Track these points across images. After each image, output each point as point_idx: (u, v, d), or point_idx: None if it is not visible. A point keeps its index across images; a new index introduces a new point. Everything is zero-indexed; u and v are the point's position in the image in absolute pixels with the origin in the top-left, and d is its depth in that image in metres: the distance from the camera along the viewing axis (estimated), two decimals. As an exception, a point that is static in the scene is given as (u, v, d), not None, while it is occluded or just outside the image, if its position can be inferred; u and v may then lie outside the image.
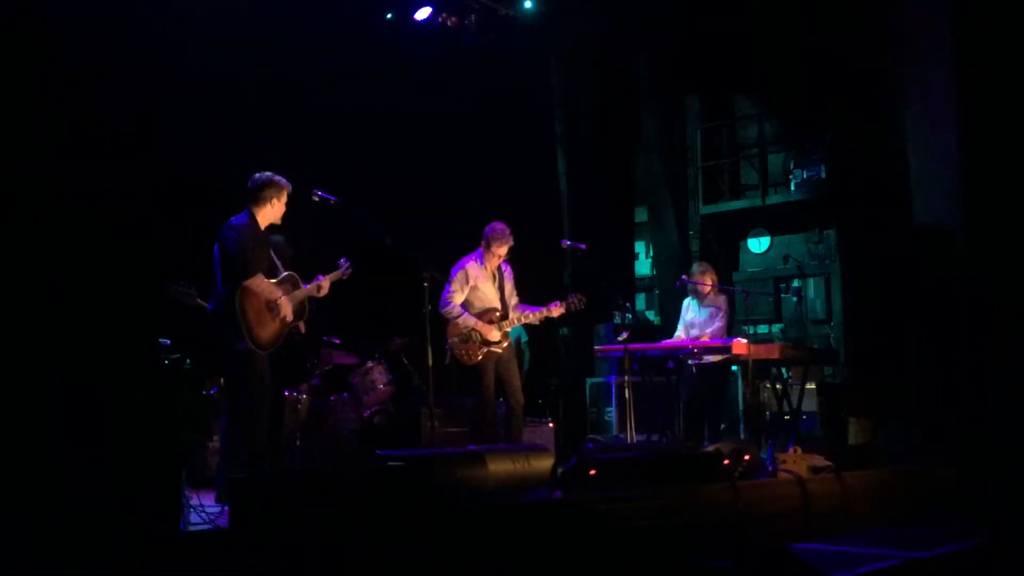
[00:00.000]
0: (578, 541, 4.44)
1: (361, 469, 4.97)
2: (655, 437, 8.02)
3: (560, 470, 5.34)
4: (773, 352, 7.45)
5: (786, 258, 10.37)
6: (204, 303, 6.08)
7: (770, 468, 5.90)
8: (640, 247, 12.28)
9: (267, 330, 5.59)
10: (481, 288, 6.94)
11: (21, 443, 3.21)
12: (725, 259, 10.73)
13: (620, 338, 7.55)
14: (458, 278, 6.91)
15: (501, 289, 7.02)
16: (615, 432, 8.98)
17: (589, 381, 9.54)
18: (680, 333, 8.14)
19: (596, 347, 8.74)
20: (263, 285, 5.60)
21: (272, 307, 5.63)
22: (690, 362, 7.85)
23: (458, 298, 6.88)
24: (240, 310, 5.46)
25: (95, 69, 3.66)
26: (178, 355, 6.52)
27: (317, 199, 6.19)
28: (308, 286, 5.95)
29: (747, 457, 5.75)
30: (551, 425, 8.22)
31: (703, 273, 7.99)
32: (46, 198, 3.39)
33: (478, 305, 6.91)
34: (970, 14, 7.40)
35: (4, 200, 3.31)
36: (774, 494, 5.51)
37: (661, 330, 9.60)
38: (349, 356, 7.98)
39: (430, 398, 6.68)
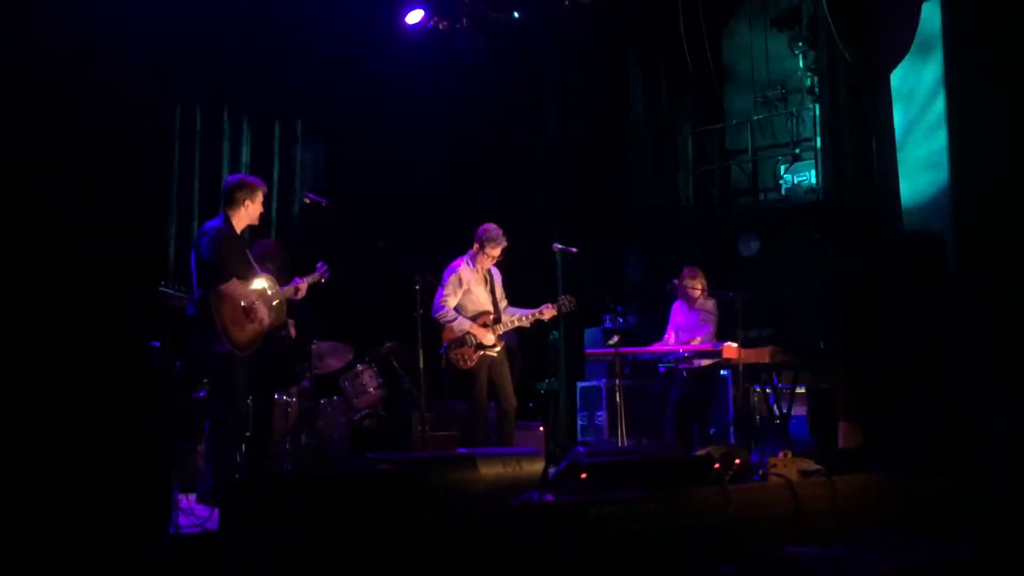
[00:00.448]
0: (568, 544, 4.43)
1: (351, 472, 4.96)
2: (645, 441, 8.01)
3: (551, 473, 5.34)
4: (763, 356, 7.46)
5: None
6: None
7: (760, 472, 5.90)
8: (631, 250, 12.25)
9: (244, 332, 5.59)
10: (474, 291, 6.93)
11: (11, 445, 3.19)
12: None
13: (611, 342, 7.55)
14: (451, 282, 6.89)
15: (492, 292, 7.01)
16: (606, 436, 8.97)
17: (580, 385, 9.53)
18: (669, 337, 8.14)
19: (587, 351, 8.74)
20: (237, 289, 5.60)
21: (247, 311, 5.62)
22: (680, 366, 7.85)
23: (452, 302, 6.86)
24: (216, 313, 5.47)
25: (90, 67, 3.65)
26: (168, 358, 6.50)
27: (308, 202, 6.20)
28: (285, 288, 5.94)
29: (737, 461, 5.75)
30: (541, 429, 8.21)
31: (693, 277, 7.99)
32: (39, 198, 3.38)
33: (471, 308, 6.90)
34: (958, 13, 7.45)
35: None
36: (764, 498, 5.51)
37: (652, 334, 9.60)
38: (340, 359, 7.95)
39: (421, 401, 6.68)
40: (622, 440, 7.43)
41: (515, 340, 7.59)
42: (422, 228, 9.49)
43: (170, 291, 6.25)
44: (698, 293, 7.94)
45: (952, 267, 7.39)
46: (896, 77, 7.97)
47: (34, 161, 3.40)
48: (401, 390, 8.39)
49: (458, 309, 6.88)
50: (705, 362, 7.70)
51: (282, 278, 6.15)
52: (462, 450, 5.31)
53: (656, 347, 7.98)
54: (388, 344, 8.20)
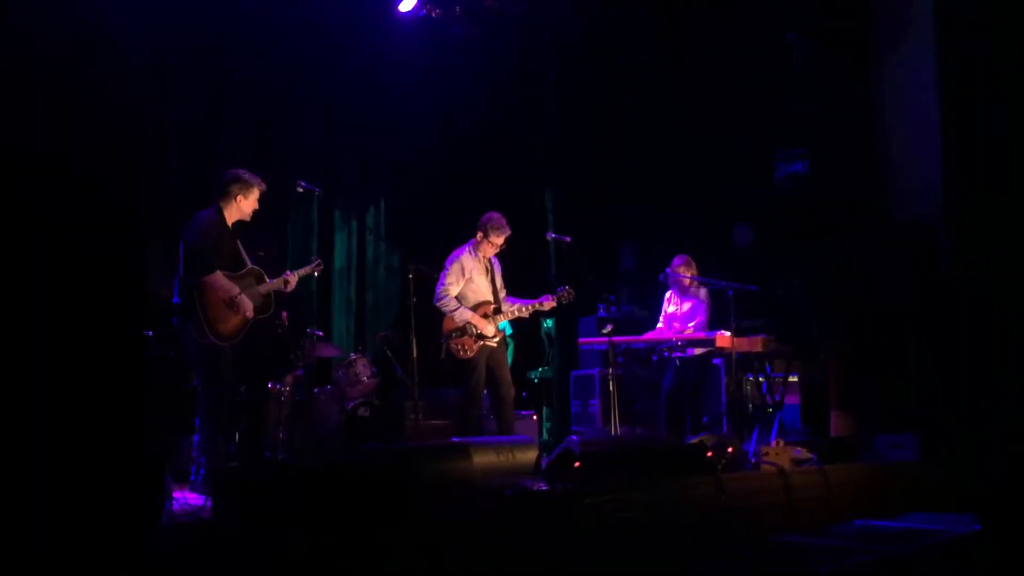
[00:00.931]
0: (562, 533, 4.44)
1: (345, 462, 4.96)
2: (639, 429, 8.03)
3: (544, 462, 5.35)
4: (756, 345, 7.48)
5: None
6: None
7: (753, 460, 5.92)
8: (625, 240, 12.27)
9: (228, 324, 5.59)
10: (475, 280, 6.91)
11: (10, 439, 3.19)
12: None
13: (604, 331, 7.57)
14: (453, 270, 6.87)
15: (493, 282, 7.00)
16: (599, 424, 8.99)
17: (573, 373, 9.55)
18: (663, 326, 8.16)
19: (581, 340, 8.76)
20: (221, 281, 5.60)
21: (231, 304, 5.62)
22: (674, 355, 7.86)
23: (454, 290, 6.84)
24: (200, 304, 5.47)
25: (87, 62, 3.65)
26: (161, 347, 6.50)
27: (301, 190, 6.20)
28: (274, 281, 5.94)
29: (730, 450, 5.77)
30: (535, 418, 8.23)
31: (684, 266, 8.00)
32: (39, 198, 3.37)
33: (472, 298, 6.89)
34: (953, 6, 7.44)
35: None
36: (757, 486, 5.53)
37: (645, 323, 9.62)
38: (333, 348, 7.96)
39: (414, 391, 6.69)
40: (615, 429, 7.44)
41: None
42: (413, 217, 9.50)
43: (160, 279, 6.26)
44: (687, 281, 7.95)
45: (945, 257, 7.40)
46: (891, 65, 7.97)
47: (34, 161, 3.39)
48: (394, 379, 8.40)
49: (459, 298, 6.86)
50: (698, 351, 7.72)
51: (273, 268, 6.14)
52: (456, 439, 5.32)
53: (649, 336, 7.99)
54: (381, 333, 8.21)
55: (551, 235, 7.50)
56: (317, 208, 8.09)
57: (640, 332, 8.22)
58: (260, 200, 5.88)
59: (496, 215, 6.95)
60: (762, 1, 9.17)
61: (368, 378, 7.97)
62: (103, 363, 3.38)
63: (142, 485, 3.43)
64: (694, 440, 5.90)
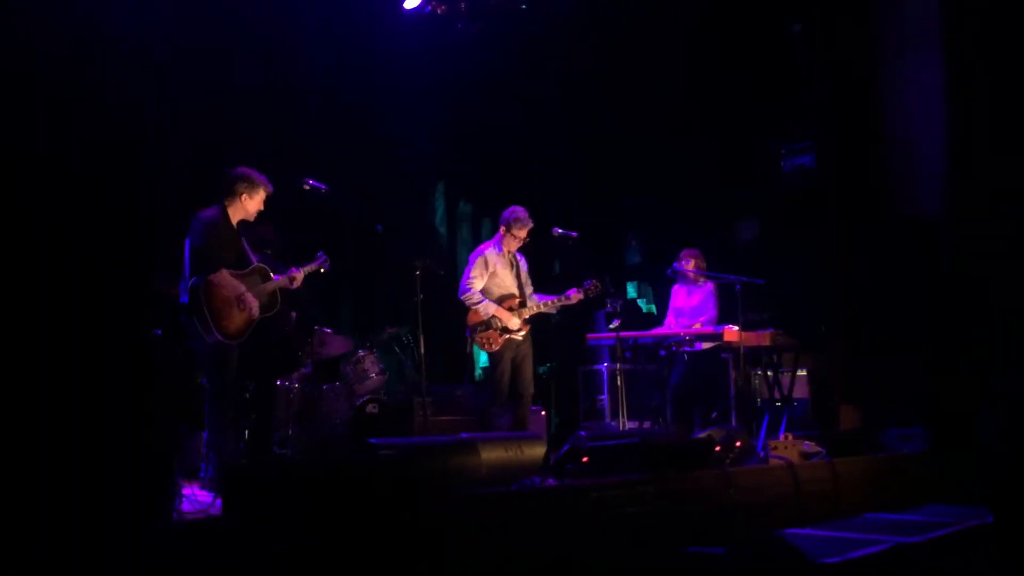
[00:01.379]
0: (570, 528, 4.45)
1: (353, 458, 4.98)
2: (647, 424, 8.04)
3: (552, 457, 5.36)
4: (764, 339, 7.47)
5: None
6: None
7: (761, 454, 5.92)
8: (631, 235, 12.27)
9: (234, 322, 5.58)
10: (500, 275, 6.93)
11: (13, 437, 3.21)
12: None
13: (612, 326, 7.56)
14: (478, 264, 6.90)
15: (518, 277, 7.02)
16: (607, 419, 8.99)
17: (581, 368, 9.55)
18: (669, 320, 8.15)
19: (588, 335, 8.76)
20: (227, 280, 5.60)
21: (237, 301, 5.62)
22: (682, 349, 7.86)
23: (478, 284, 6.86)
24: (205, 303, 5.48)
25: (89, 62, 3.65)
26: (170, 345, 6.52)
27: (308, 187, 6.19)
28: (280, 278, 5.93)
29: (738, 443, 5.77)
30: (543, 413, 8.23)
31: (692, 260, 7.99)
32: (39, 198, 3.38)
33: (497, 292, 6.91)
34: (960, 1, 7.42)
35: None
36: (765, 480, 5.54)
37: (653, 318, 9.62)
38: (341, 345, 7.97)
39: (422, 386, 6.69)
40: (623, 424, 7.45)
41: None
42: (420, 213, 9.51)
43: (170, 278, 6.27)
44: (694, 275, 7.94)
45: (950, 251, 7.38)
46: (897, 60, 7.95)
47: (34, 161, 3.40)
48: (403, 375, 8.41)
49: (484, 292, 6.88)
50: (706, 345, 7.71)
51: (278, 265, 6.15)
52: (464, 435, 5.33)
53: (657, 331, 7.99)
54: (389, 329, 8.22)
55: (557, 230, 7.48)
56: (323, 205, 8.08)
57: (647, 327, 8.22)
58: (265, 201, 5.87)
59: (518, 209, 6.98)
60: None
61: (376, 374, 7.98)
62: (104, 362, 3.40)
63: (147, 483, 3.44)
64: (702, 434, 5.90)
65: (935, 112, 7.50)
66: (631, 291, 11.91)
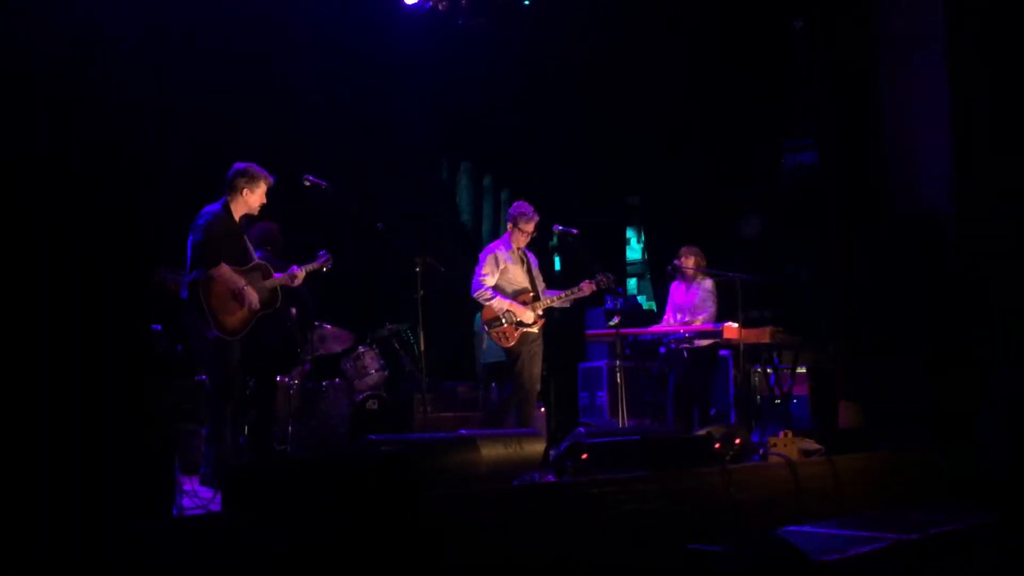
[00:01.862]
0: (570, 525, 4.45)
1: (353, 454, 4.97)
2: (646, 421, 8.04)
3: (552, 454, 5.36)
4: (764, 336, 7.47)
5: None
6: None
7: (761, 452, 5.92)
8: (632, 232, 12.29)
9: (234, 317, 5.61)
10: (511, 271, 6.97)
11: (13, 435, 3.21)
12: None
13: (612, 323, 7.56)
14: (489, 261, 6.94)
15: (529, 272, 7.05)
16: (607, 416, 9.00)
17: (581, 365, 9.55)
18: (669, 317, 8.15)
19: (588, 332, 8.76)
20: (228, 275, 5.60)
21: (237, 296, 5.63)
22: (681, 346, 7.86)
23: (490, 280, 6.90)
24: (205, 297, 5.49)
25: (87, 57, 3.65)
26: (170, 341, 6.52)
27: (308, 184, 6.19)
28: (280, 276, 5.94)
29: (738, 441, 5.77)
30: (542, 410, 8.23)
31: (690, 256, 7.98)
32: (39, 198, 3.38)
33: (509, 288, 6.95)
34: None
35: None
36: (765, 478, 5.53)
37: (653, 315, 9.62)
38: (342, 341, 7.97)
39: (423, 383, 6.70)
40: (623, 420, 7.45)
41: None
42: (423, 209, 9.50)
43: (170, 274, 6.27)
44: (692, 272, 7.93)
45: (952, 249, 7.38)
46: (900, 57, 7.93)
47: (34, 161, 3.40)
48: (403, 372, 8.41)
49: (496, 290, 6.92)
50: (706, 342, 7.71)
51: (280, 262, 6.15)
52: (464, 431, 5.33)
53: (657, 328, 7.99)
54: (389, 326, 8.22)
55: (557, 227, 7.49)
56: (324, 202, 8.08)
57: (647, 324, 8.22)
58: (268, 194, 5.87)
59: (523, 204, 7.08)
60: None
61: (376, 371, 7.98)
62: (103, 361, 3.40)
63: (146, 482, 3.45)
64: (702, 432, 5.90)
65: (937, 110, 7.49)
66: (631, 288, 11.93)
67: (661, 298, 9.16)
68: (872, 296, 7.54)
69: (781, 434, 5.96)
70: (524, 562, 4.19)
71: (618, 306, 7.65)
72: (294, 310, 6.93)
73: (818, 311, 8.59)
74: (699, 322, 7.79)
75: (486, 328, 6.95)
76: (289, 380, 7.19)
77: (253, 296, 5.69)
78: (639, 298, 11.71)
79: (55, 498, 3.21)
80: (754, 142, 11.02)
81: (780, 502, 5.44)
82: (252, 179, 5.77)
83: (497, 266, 6.95)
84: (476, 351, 9.09)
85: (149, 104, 4.06)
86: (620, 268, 11.41)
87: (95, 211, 3.52)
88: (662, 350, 8.02)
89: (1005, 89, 7.28)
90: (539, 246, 7.45)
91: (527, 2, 9.50)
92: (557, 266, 9.71)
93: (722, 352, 8.07)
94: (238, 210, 5.78)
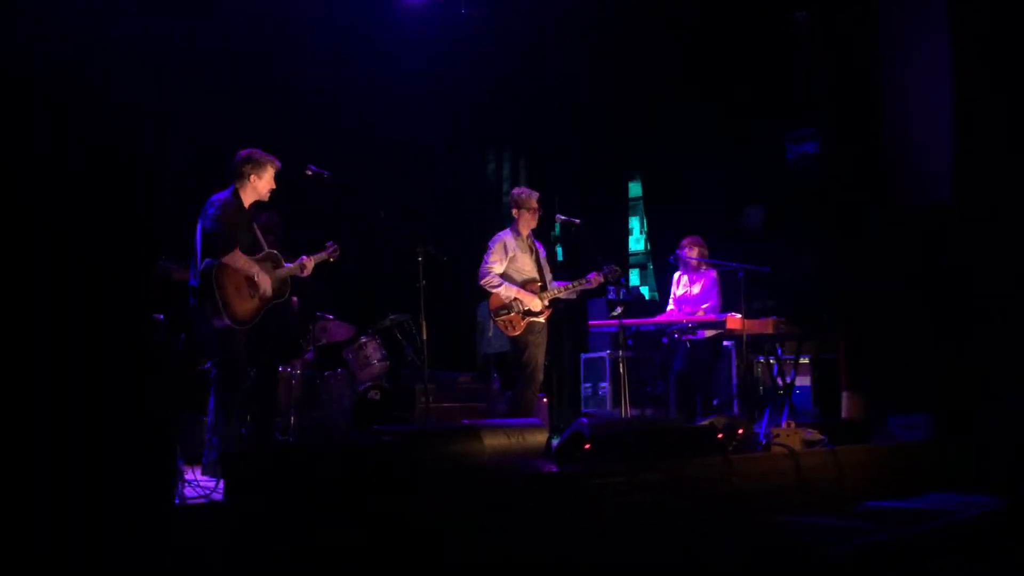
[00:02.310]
0: (573, 515, 4.45)
1: (356, 444, 4.97)
2: (649, 412, 8.03)
3: (555, 445, 5.35)
4: (767, 327, 7.45)
5: None
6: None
7: (764, 442, 5.92)
8: (634, 222, 12.27)
9: (245, 306, 5.58)
10: (520, 259, 6.95)
11: (15, 428, 3.21)
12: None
13: (614, 313, 7.55)
14: (497, 249, 6.92)
15: (537, 262, 7.04)
16: (609, 407, 8.99)
17: (583, 356, 9.55)
18: (672, 308, 8.14)
19: (591, 322, 8.74)
20: (241, 261, 5.59)
21: (250, 282, 5.61)
22: (684, 337, 7.85)
23: (498, 268, 6.88)
24: (217, 286, 5.47)
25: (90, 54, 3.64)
26: (172, 331, 6.51)
27: (310, 173, 6.17)
28: (290, 265, 5.92)
29: (741, 431, 5.77)
30: (545, 400, 8.23)
31: (694, 247, 7.96)
32: (39, 198, 3.38)
33: (517, 277, 6.93)
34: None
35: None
36: (767, 468, 5.53)
37: (656, 305, 9.61)
38: (344, 331, 7.97)
39: (425, 373, 6.69)
40: (625, 411, 7.44)
41: None
42: (424, 200, 9.49)
43: (172, 264, 6.26)
44: (695, 262, 7.92)
45: (956, 237, 7.36)
46: (903, 46, 7.91)
47: (34, 161, 3.39)
48: (405, 362, 8.41)
49: (505, 278, 6.90)
50: (708, 333, 7.69)
51: (282, 252, 6.13)
52: (466, 421, 5.33)
53: (659, 318, 7.98)
54: (391, 316, 8.22)
55: (560, 217, 7.48)
56: (326, 192, 8.07)
57: (649, 314, 8.21)
58: (276, 179, 5.83)
59: (520, 188, 7.14)
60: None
61: (378, 361, 7.98)
62: (103, 357, 3.39)
63: (147, 478, 3.44)
64: (705, 422, 5.89)
65: (940, 100, 7.46)
66: (634, 278, 11.91)
67: (663, 288, 9.15)
68: (874, 286, 7.53)
69: (784, 424, 5.96)
70: (526, 551, 4.18)
71: (621, 296, 7.63)
72: (296, 300, 6.92)
73: (821, 301, 8.57)
74: (702, 312, 7.78)
75: (492, 316, 6.93)
76: (291, 370, 7.19)
77: (267, 281, 5.68)
78: (641, 288, 11.70)
79: (55, 492, 3.21)
80: (757, 132, 10.99)
81: (782, 492, 5.44)
82: (258, 164, 5.73)
83: (506, 254, 6.93)
84: (478, 341, 9.09)
85: (149, 103, 4.05)
86: (622, 258, 11.39)
87: (95, 210, 3.52)
88: (664, 340, 8.01)
89: (1008, 80, 7.25)
90: (542, 236, 7.44)
91: None
92: (559, 256, 9.72)
93: (725, 343, 8.06)
94: (247, 197, 5.74)
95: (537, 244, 7.15)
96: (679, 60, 10.30)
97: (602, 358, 9.23)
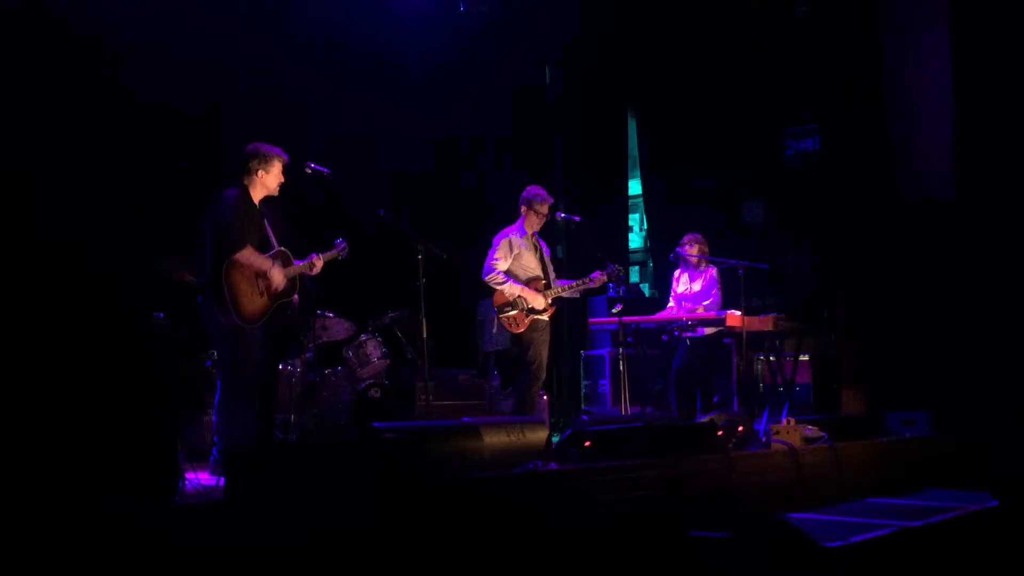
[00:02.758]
0: (572, 513, 4.45)
1: (356, 442, 4.97)
2: (649, 409, 8.04)
3: (555, 442, 5.35)
4: (767, 324, 7.46)
5: None
6: (193, 277, 6.08)
7: (763, 439, 5.91)
8: (634, 220, 12.26)
9: (254, 304, 5.53)
10: (525, 257, 6.95)
11: (14, 427, 3.21)
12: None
13: (614, 311, 7.55)
14: (502, 246, 6.92)
15: (542, 260, 7.03)
16: (609, 404, 9.00)
17: (583, 353, 9.55)
18: (672, 305, 8.13)
19: (591, 320, 8.75)
20: (253, 257, 5.55)
21: (262, 277, 5.57)
22: (684, 334, 7.85)
23: (502, 265, 6.88)
24: (227, 283, 5.42)
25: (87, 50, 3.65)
26: (173, 328, 6.51)
27: (310, 171, 6.16)
28: (300, 263, 5.89)
29: (740, 428, 5.77)
30: (545, 398, 8.23)
31: (694, 244, 7.96)
32: (39, 198, 3.38)
33: (522, 275, 6.93)
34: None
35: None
36: (768, 465, 5.53)
37: (656, 303, 9.61)
38: (343, 329, 7.97)
39: (425, 371, 6.69)
40: (625, 408, 7.45)
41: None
42: (424, 198, 9.48)
43: (172, 262, 6.25)
44: (695, 260, 7.91)
45: (957, 233, 7.36)
46: (903, 40, 7.90)
47: (34, 161, 3.39)
48: (405, 360, 8.41)
49: (508, 275, 6.89)
50: (708, 330, 7.70)
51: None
52: (466, 419, 5.32)
53: (659, 315, 7.98)
54: (391, 313, 8.21)
55: (560, 215, 7.47)
56: (326, 189, 8.07)
57: (649, 311, 8.21)
58: (285, 172, 5.80)
59: (536, 188, 7.07)
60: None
61: (379, 359, 7.98)
62: (102, 356, 3.40)
63: (146, 476, 3.45)
64: (705, 419, 5.89)
65: (942, 93, 7.46)
66: (634, 276, 11.91)
67: (663, 286, 9.15)
68: (876, 281, 7.53)
69: (784, 421, 5.95)
70: (526, 552, 4.18)
71: (620, 293, 7.63)
72: (295, 297, 6.91)
73: (821, 298, 8.57)
74: (702, 310, 7.77)
75: (496, 312, 6.93)
76: (291, 368, 7.19)
77: (279, 276, 5.63)
78: (641, 286, 11.69)
79: (52, 491, 3.21)
80: (756, 128, 10.98)
81: (783, 489, 5.44)
82: (265, 159, 5.69)
83: (511, 251, 6.92)
84: (479, 338, 9.09)
85: (149, 103, 4.06)
86: (622, 255, 11.39)
87: (95, 211, 3.51)
88: (665, 338, 8.01)
89: (1010, 73, 7.25)
90: (544, 235, 7.43)
91: None
92: (559, 253, 9.72)
93: (725, 340, 8.06)
94: (257, 193, 5.70)
95: (542, 242, 7.15)
96: (681, 56, 10.31)
97: (602, 355, 9.24)
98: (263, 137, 5.94)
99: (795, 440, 5.76)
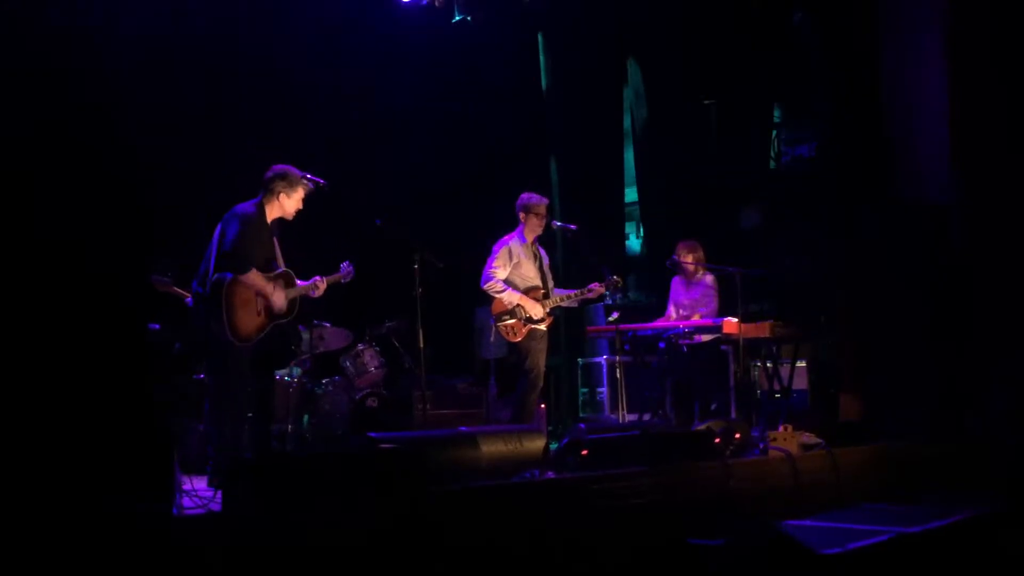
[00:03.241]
0: (570, 521, 4.45)
1: (353, 452, 4.97)
2: (646, 417, 8.04)
3: (552, 451, 5.35)
4: (764, 330, 7.46)
5: None
6: (182, 291, 6.09)
7: (761, 446, 5.92)
8: (630, 227, 12.27)
9: (250, 323, 5.51)
10: (524, 266, 6.93)
11: (13, 429, 3.21)
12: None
13: (611, 318, 7.55)
14: (502, 254, 6.90)
15: (541, 269, 7.02)
16: (607, 412, 8.99)
17: (580, 361, 9.55)
18: (671, 313, 8.14)
19: (588, 327, 8.75)
20: (255, 280, 5.53)
21: (261, 299, 5.55)
22: (681, 341, 7.85)
23: (501, 273, 6.86)
24: (226, 300, 5.40)
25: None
26: (168, 339, 6.51)
27: (306, 182, 6.16)
28: (304, 284, 5.87)
29: (738, 435, 5.77)
30: (542, 406, 8.22)
31: (690, 251, 7.97)
32: (39, 198, 3.39)
33: (521, 284, 6.91)
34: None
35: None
36: (765, 472, 5.53)
37: (653, 310, 9.61)
38: (340, 339, 7.96)
39: (422, 380, 6.69)
40: (623, 416, 7.44)
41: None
42: (420, 206, 9.49)
43: (163, 278, 6.25)
44: (691, 267, 7.92)
45: (954, 237, 7.37)
46: (899, 45, 7.92)
47: (33, 161, 3.39)
48: (403, 369, 8.40)
49: (508, 284, 6.88)
50: (705, 337, 7.70)
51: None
52: (464, 428, 5.32)
53: (657, 323, 7.98)
54: (389, 323, 8.21)
55: (557, 224, 7.47)
56: (322, 200, 8.08)
57: (646, 319, 8.21)
58: (304, 200, 5.76)
59: (529, 193, 7.04)
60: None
61: (376, 368, 7.98)
62: (99, 361, 3.39)
63: (144, 483, 3.45)
64: (702, 426, 5.90)
65: (939, 94, 7.47)
66: (630, 283, 11.90)
67: (660, 293, 9.15)
68: (875, 281, 7.52)
69: (781, 428, 5.95)
70: (524, 558, 4.18)
71: (617, 301, 7.64)
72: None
73: (818, 303, 8.57)
74: (699, 317, 7.78)
75: (494, 321, 6.92)
76: (288, 378, 7.19)
77: (280, 297, 5.60)
78: (632, 294, 11.68)
79: (50, 499, 3.21)
80: (752, 134, 11.00)
81: (780, 496, 5.44)
82: (291, 183, 5.63)
83: (510, 260, 6.91)
84: (476, 346, 9.09)
85: (149, 103, 4.06)
86: (619, 264, 11.39)
87: (95, 211, 3.51)
88: (662, 345, 8.01)
89: (1006, 75, 7.26)
90: (541, 243, 7.43)
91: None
92: (556, 262, 9.72)
93: (722, 347, 8.07)
94: (272, 213, 5.65)
95: (542, 251, 7.14)
96: (678, 60, 10.32)
97: (599, 363, 9.23)
98: (263, 137, 5.91)
99: (792, 447, 5.76)
